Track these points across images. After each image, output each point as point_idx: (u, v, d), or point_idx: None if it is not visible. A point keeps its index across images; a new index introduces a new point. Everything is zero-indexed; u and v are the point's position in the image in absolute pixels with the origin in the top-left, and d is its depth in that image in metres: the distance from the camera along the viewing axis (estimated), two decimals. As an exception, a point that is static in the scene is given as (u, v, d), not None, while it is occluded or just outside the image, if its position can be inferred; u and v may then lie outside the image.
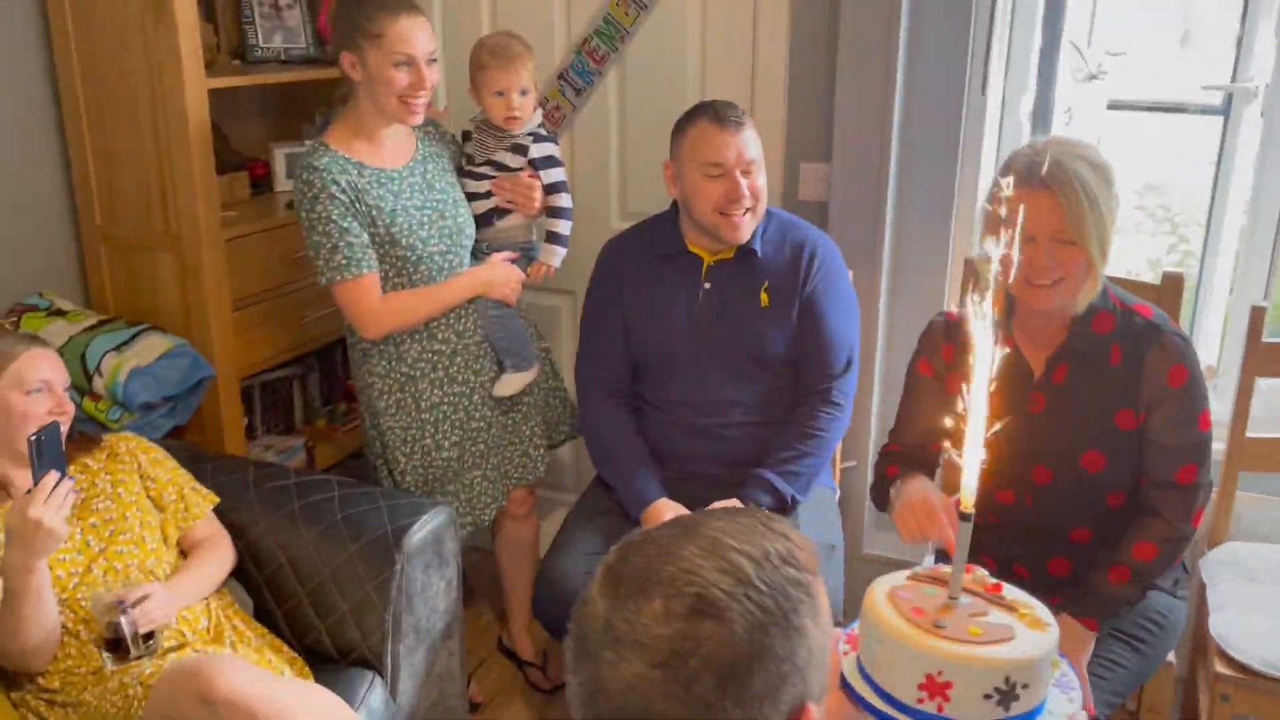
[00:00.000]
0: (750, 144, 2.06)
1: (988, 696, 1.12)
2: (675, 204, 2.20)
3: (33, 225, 2.38)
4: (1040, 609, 1.20)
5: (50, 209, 2.41)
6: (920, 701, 1.14)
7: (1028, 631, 1.16)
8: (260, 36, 2.64)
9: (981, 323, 1.12)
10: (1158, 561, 1.74)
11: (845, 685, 1.22)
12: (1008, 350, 1.52)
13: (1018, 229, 1.48)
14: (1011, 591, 1.23)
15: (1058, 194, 1.61)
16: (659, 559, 0.80)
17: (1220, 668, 1.90)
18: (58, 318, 2.31)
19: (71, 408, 1.90)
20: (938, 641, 1.13)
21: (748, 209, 2.07)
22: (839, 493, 2.42)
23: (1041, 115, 2.83)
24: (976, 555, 1.76)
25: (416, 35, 2.07)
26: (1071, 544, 1.82)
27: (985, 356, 1.12)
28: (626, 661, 0.76)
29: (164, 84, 2.21)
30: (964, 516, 1.18)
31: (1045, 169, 1.61)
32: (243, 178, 2.65)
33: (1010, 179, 1.61)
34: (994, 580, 1.24)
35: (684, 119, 2.11)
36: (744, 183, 2.04)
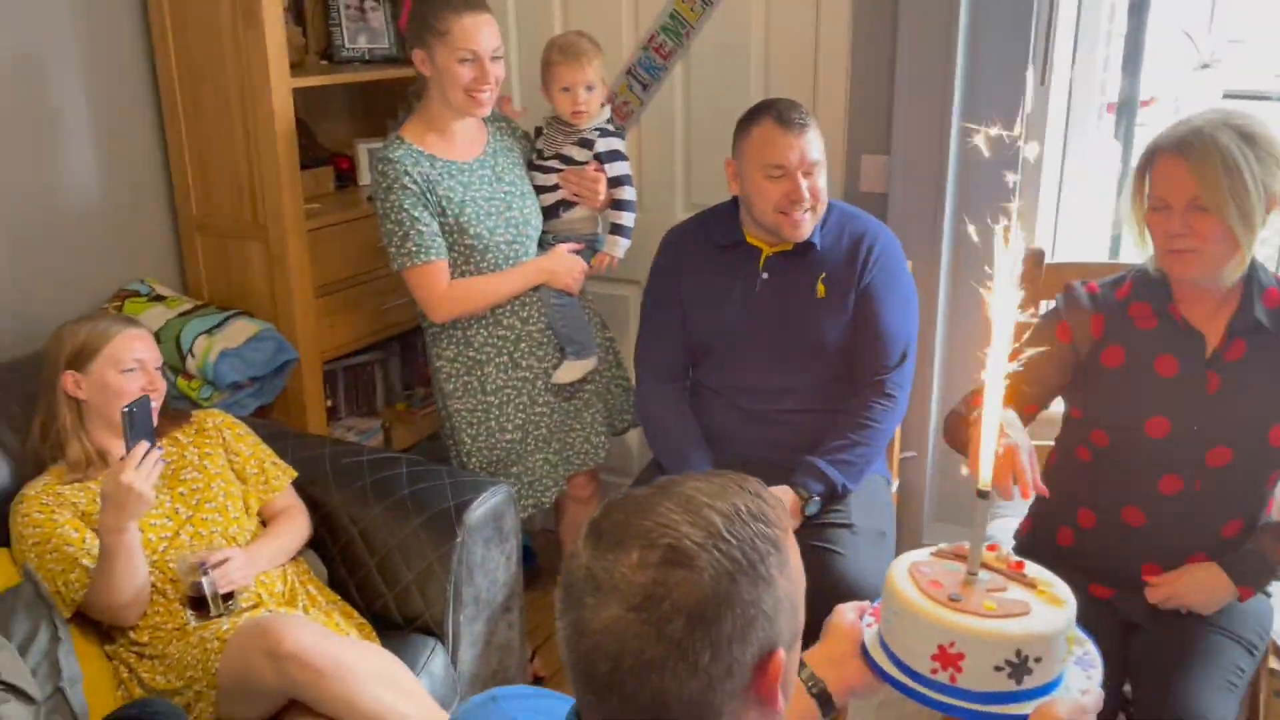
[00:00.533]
0: (812, 145, 2.08)
1: (999, 669, 1.15)
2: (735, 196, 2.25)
3: (136, 217, 2.56)
4: (1060, 587, 1.22)
5: (151, 202, 2.59)
6: (934, 672, 1.17)
7: (1044, 607, 1.18)
8: (346, 37, 2.78)
9: (1001, 301, 1.15)
10: None
11: (866, 655, 1.26)
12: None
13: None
14: (1033, 569, 1.25)
15: (1191, 160, 1.59)
16: (636, 514, 0.86)
17: (1275, 664, 1.88)
18: (157, 303, 2.48)
19: (163, 385, 2.05)
20: (951, 614, 1.16)
21: (808, 209, 2.11)
22: (896, 483, 2.44)
23: (1127, 105, 2.80)
24: (1088, 554, 1.79)
25: (480, 32, 2.17)
26: (1221, 540, 1.76)
27: (1003, 332, 1.15)
28: (605, 606, 0.83)
29: (253, 83, 2.35)
30: (981, 494, 1.21)
31: (1187, 139, 1.60)
32: (328, 172, 2.80)
33: (1154, 145, 1.63)
34: (1017, 559, 1.26)
35: (747, 117, 2.14)
36: (805, 184, 2.07)
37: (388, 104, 3.05)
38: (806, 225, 2.12)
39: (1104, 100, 2.66)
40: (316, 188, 2.70)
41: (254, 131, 2.40)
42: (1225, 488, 1.73)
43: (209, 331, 2.39)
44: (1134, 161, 1.74)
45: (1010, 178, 2.22)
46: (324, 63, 2.79)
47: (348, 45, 2.78)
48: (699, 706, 0.83)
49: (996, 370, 1.15)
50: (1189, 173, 1.59)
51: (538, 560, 3.05)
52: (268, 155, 2.39)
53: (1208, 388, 1.71)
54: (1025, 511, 2.02)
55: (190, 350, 2.37)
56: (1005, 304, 1.13)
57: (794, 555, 0.90)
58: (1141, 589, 1.78)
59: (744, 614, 0.83)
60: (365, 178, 2.87)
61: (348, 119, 3.03)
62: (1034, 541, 1.94)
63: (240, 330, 2.41)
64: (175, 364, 2.36)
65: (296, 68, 2.45)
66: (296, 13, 2.69)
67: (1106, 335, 1.78)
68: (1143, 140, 2.83)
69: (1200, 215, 1.61)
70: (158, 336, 2.34)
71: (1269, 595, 1.85)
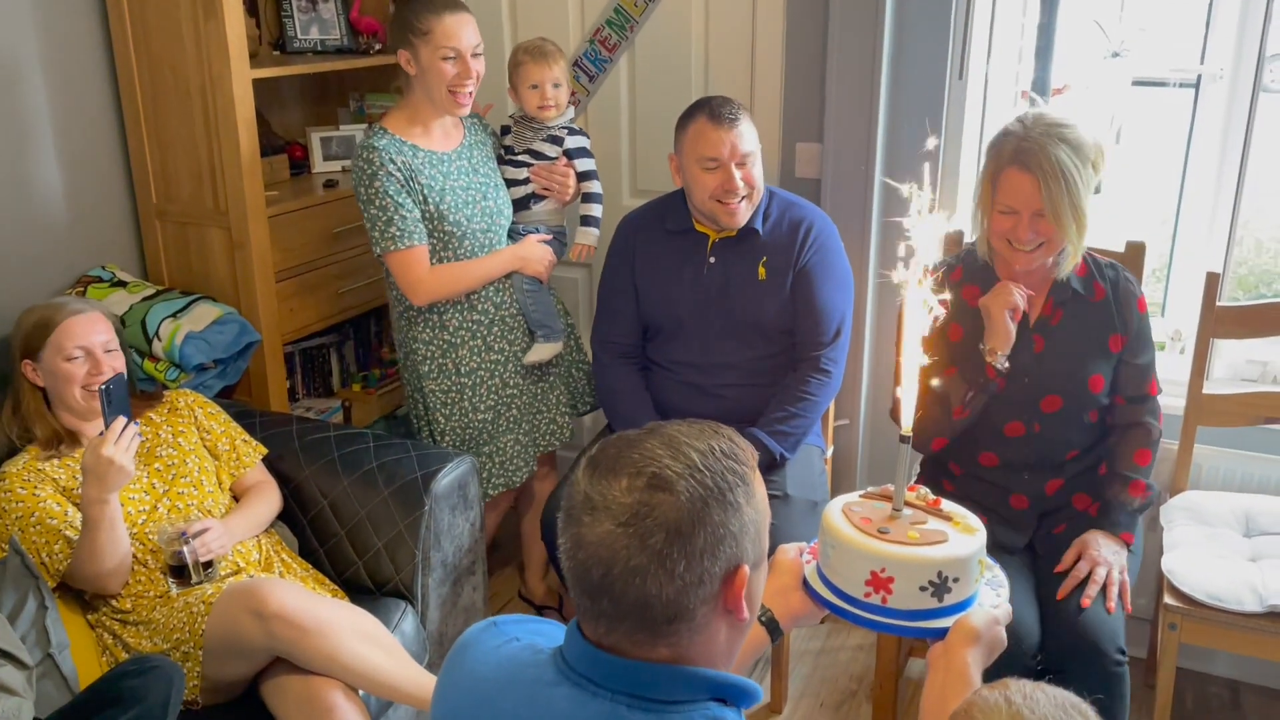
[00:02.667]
0: (744, 138, 2.24)
1: (923, 589, 1.32)
2: None
3: (96, 204, 2.62)
4: (971, 518, 1.40)
5: (111, 189, 2.64)
6: (867, 595, 1.34)
7: (959, 535, 1.36)
8: (298, 28, 2.86)
9: (914, 285, 1.33)
10: (1152, 463, 2.05)
11: (807, 587, 1.42)
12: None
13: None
14: (948, 505, 1.42)
15: (1035, 175, 1.89)
16: (627, 449, 1.02)
17: (1169, 599, 2.09)
18: (119, 288, 2.55)
19: (116, 366, 2.08)
20: (880, 544, 1.33)
21: (743, 197, 2.27)
22: (830, 450, 2.62)
23: (1040, 94, 3.00)
24: (979, 496, 2.06)
25: (462, 30, 2.30)
26: (1065, 464, 2.09)
27: (916, 311, 1.32)
28: (599, 523, 0.99)
29: (213, 74, 2.43)
30: (903, 439, 1.38)
31: (1029, 154, 1.88)
32: (283, 160, 2.88)
33: (999, 155, 1.92)
34: (934, 497, 1.44)
35: (684, 116, 2.30)
36: (738, 174, 2.23)
37: (339, 93, 3.14)
38: (742, 213, 2.28)
39: (1018, 89, 2.86)
40: (273, 175, 2.78)
41: (214, 121, 2.47)
42: (1059, 427, 2.06)
43: (174, 315, 2.47)
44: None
45: (928, 167, 2.42)
46: (277, 53, 2.87)
47: (300, 36, 2.87)
48: (675, 606, 0.99)
49: (912, 331, 1.32)
50: (1034, 188, 1.90)
51: (488, 528, 3.17)
52: (229, 144, 2.47)
53: (1034, 349, 2.04)
54: (917, 469, 2.31)
55: (156, 334, 2.44)
56: (916, 274, 1.30)
57: (760, 490, 1.07)
58: (1016, 517, 2.09)
59: (714, 532, 0.99)
60: (319, 165, 2.96)
61: (299, 108, 3.11)
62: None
63: (204, 314, 2.49)
64: (142, 347, 2.44)
65: (251, 58, 2.52)
66: (249, 4, 2.76)
67: (948, 316, 2.03)
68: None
69: (1043, 220, 1.93)
70: (123, 321, 2.42)
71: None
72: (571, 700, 1.01)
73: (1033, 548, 2.10)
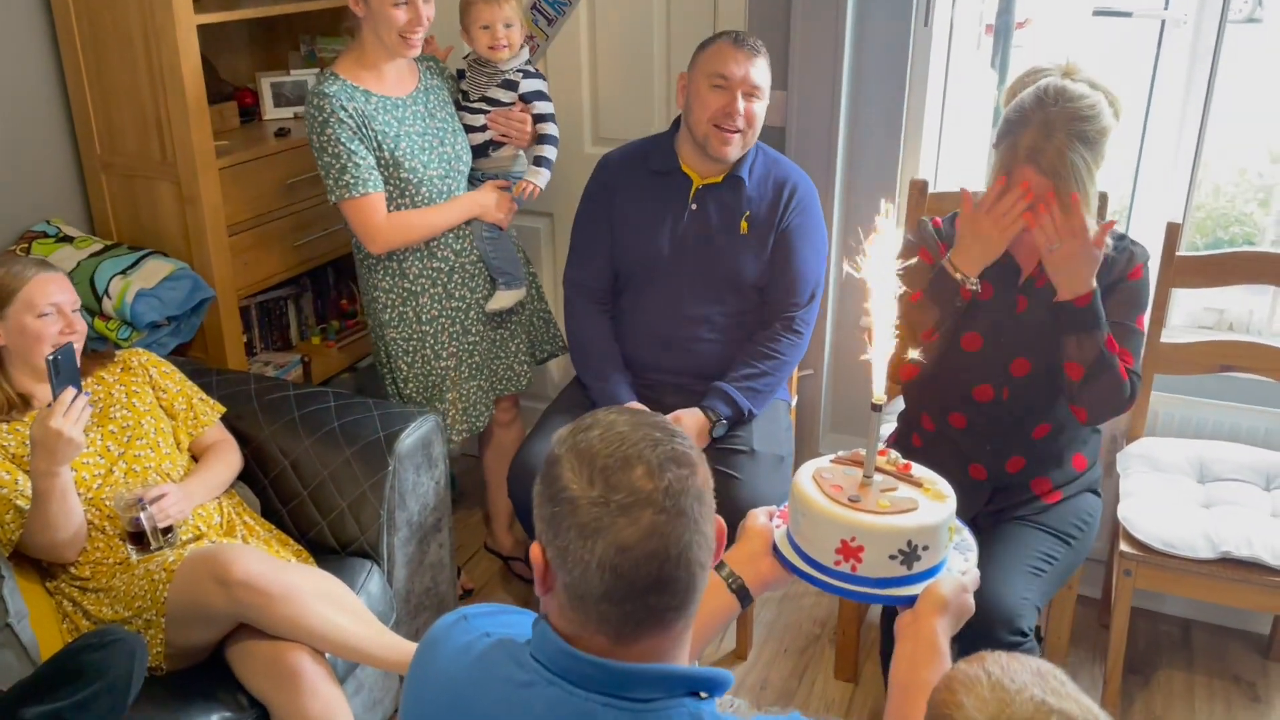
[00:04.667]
0: (758, 70, 2.21)
1: (893, 557, 1.33)
2: (675, 124, 2.35)
3: (36, 156, 2.52)
4: (942, 484, 1.40)
5: (52, 140, 2.55)
6: (837, 563, 1.35)
7: (929, 503, 1.36)
8: (244, -31, 2.74)
9: (886, 244, 1.31)
10: (1084, 379, 1.90)
11: (777, 552, 1.43)
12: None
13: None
14: (919, 470, 1.43)
15: (1056, 182, 1.80)
16: (617, 445, 1.01)
17: (1125, 547, 2.14)
18: (65, 244, 2.46)
19: (83, 327, 2.07)
20: (851, 513, 1.33)
21: (739, 129, 2.22)
22: (795, 399, 2.62)
23: (1003, 30, 2.97)
24: (943, 459, 1.98)
25: None
26: (1032, 441, 2.03)
27: (887, 266, 1.31)
28: (639, 517, 0.97)
29: (155, 21, 2.33)
30: (874, 407, 1.37)
31: (1044, 155, 1.78)
32: (232, 107, 2.78)
33: (1015, 147, 1.81)
34: (904, 461, 1.44)
35: (707, 39, 2.27)
36: (742, 103, 2.20)
37: (288, 36, 3.03)
38: (734, 147, 2.24)
39: (983, 26, 2.83)
40: (222, 123, 2.69)
41: (159, 70, 2.38)
42: (1028, 395, 2.00)
43: (124, 272, 2.40)
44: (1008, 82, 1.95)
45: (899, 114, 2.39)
46: (222, -5, 2.76)
47: (246, -23, 2.75)
48: (705, 572, 1.04)
49: (881, 299, 1.31)
50: (1046, 186, 1.81)
51: (459, 483, 3.17)
52: (174, 95, 2.38)
53: (1017, 308, 1.98)
54: (895, 422, 2.25)
55: (106, 291, 2.37)
56: (885, 248, 1.29)
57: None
58: (970, 488, 2.03)
59: (709, 492, 1.04)
60: (270, 112, 2.87)
61: (248, 52, 3.00)
62: (898, 447, 2.17)
63: (155, 270, 2.42)
64: (91, 305, 2.37)
65: (196, 1, 2.42)
66: (191, -56, 2.64)
67: (941, 262, 2.02)
68: (1017, 67, 3.02)
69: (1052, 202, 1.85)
70: (70, 278, 2.34)
71: (1098, 495, 2.11)
72: (548, 701, 1.01)
73: (976, 523, 2.06)
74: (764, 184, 2.32)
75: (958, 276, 1.92)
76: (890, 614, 1.54)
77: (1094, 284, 1.87)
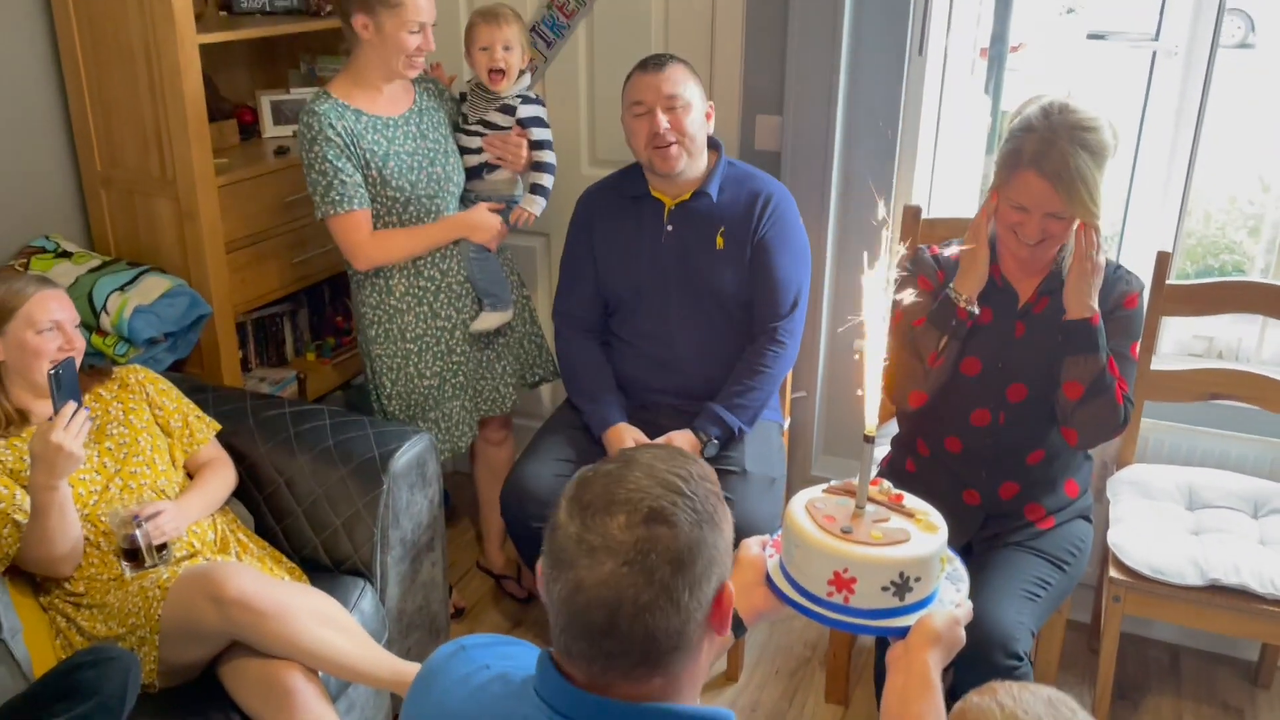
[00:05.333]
0: (670, 80, 2.24)
1: (885, 589, 1.34)
2: None
3: (36, 171, 2.53)
4: (934, 515, 1.41)
5: (52, 156, 2.55)
6: (830, 595, 1.36)
7: (921, 534, 1.37)
8: (246, -12, 2.76)
9: (880, 277, 1.33)
10: (1082, 399, 1.93)
11: (769, 582, 1.44)
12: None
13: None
14: (911, 501, 1.44)
15: (1050, 180, 1.84)
16: (614, 485, 1.01)
17: (1114, 573, 2.16)
18: (64, 259, 2.47)
19: (82, 343, 2.08)
20: (844, 544, 1.34)
21: (674, 142, 2.25)
22: (787, 422, 2.64)
23: (998, 54, 3.00)
24: (937, 484, 2.05)
25: (430, 5, 2.29)
26: (1026, 467, 2.06)
27: (879, 298, 1.33)
28: (601, 564, 0.98)
29: (158, 39, 2.34)
30: (866, 439, 1.39)
31: (1048, 160, 1.83)
32: (231, 125, 2.79)
33: (1019, 153, 1.85)
34: (897, 491, 1.46)
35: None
36: (664, 118, 2.23)
37: (289, 55, 3.05)
38: (676, 159, 2.27)
39: (977, 50, 2.86)
40: (221, 140, 2.70)
41: (160, 87, 2.39)
42: (1024, 421, 2.03)
43: (122, 288, 2.40)
44: (1002, 110, 1.97)
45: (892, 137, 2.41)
46: (224, 14, 2.78)
47: (247, -4, 2.77)
48: (679, 637, 1.00)
49: (875, 334, 1.33)
50: (1049, 190, 1.85)
51: (452, 500, 3.17)
52: (175, 113, 2.39)
53: (1015, 333, 2.02)
54: (888, 446, 2.27)
55: (104, 307, 2.38)
56: (879, 283, 1.31)
57: (725, 507, 1.08)
58: (965, 514, 2.07)
59: (708, 556, 1.01)
60: (270, 130, 2.88)
61: (248, 70, 3.01)
62: (891, 472, 2.22)
63: (153, 286, 2.43)
64: (89, 321, 2.37)
65: (198, 20, 2.44)
66: (194, -38, 2.66)
67: (939, 289, 2.06)
68: (1011, 91, 3.05)
69: (1054, 221, 1.89)
70: (69, 293, 2.34)
71: (1090, 522, 2.14)
72: None
73: (971, 549, 2.08)
74: (736, 197, 2.34)
75: (960, 301, 1.97)
76: (884, 640, 1.55)
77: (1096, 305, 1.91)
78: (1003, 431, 2.04)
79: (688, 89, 2.26)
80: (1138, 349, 2.02)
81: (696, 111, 2.27)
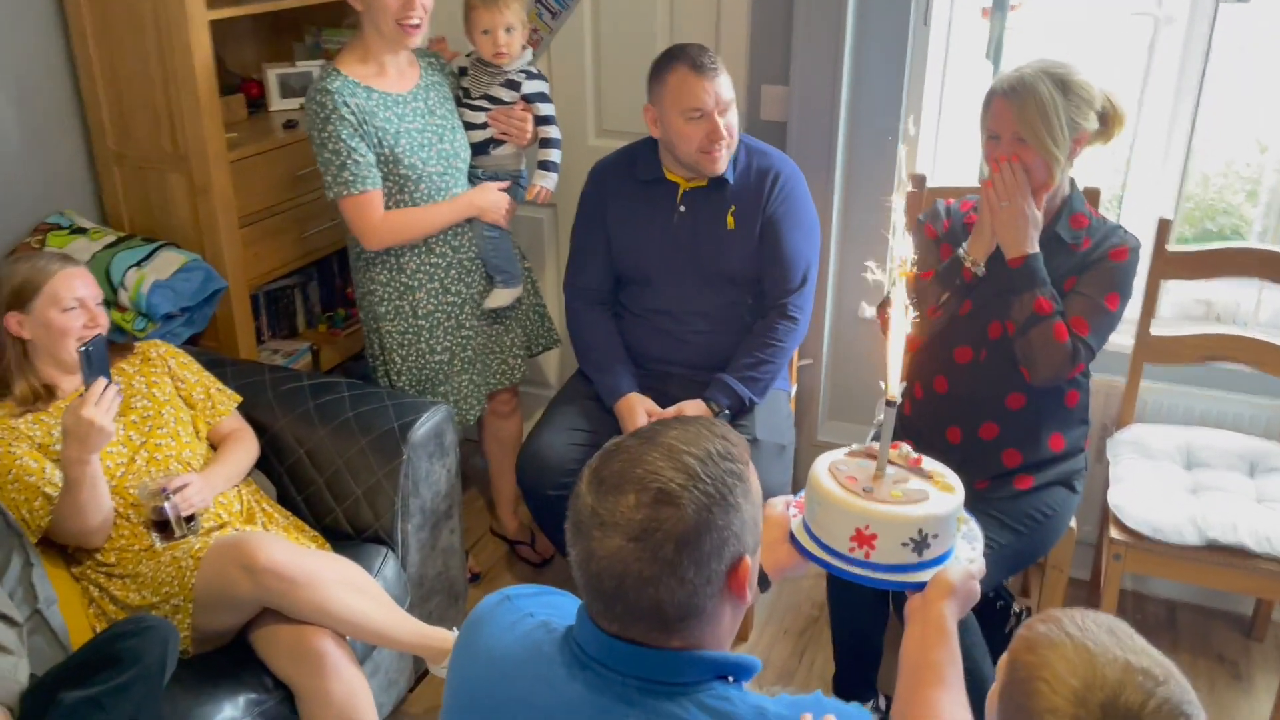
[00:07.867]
0: (724, 86, 2.25)
1: (905, 545, 1.39)
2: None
3: (49, 148, 2.54)
4: (950, 476, 1.47)
5: (64, 132, 2.57)
6: (851, 550, 1.41)
7: (939, 494, 1.43)
8: (251, -39, 2.76)
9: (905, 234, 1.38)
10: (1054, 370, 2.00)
11: (793, 539, 1.49)
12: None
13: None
14: (929, 463, 1.50)
15: (1014, 102, 1.96)
16: (630, 464, 1.07)
17: (1115, 533, 2.22)
18: (79, 235, 2.50)
19: (106, 320, 2.11)
20: (866, 502, 1.39)
21: (726, 145, 2.27)
22: (794, 389, 2.69)
23: (999, 10, 3.02)
24: (917, 423, 2.12)
25: None
26: (1006, 410, 2.11)
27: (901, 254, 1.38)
28: (610, 538, 1.04)
29: (168, 15, 2.36)
30: (889, 403, 1.44)
31: (1013, 83, 1.97)
32: (239, 99, 2.81)
33: (994, 87, 2.00)
34: (915, 455, 1.51)
35: (661, 66, 2.28)
36: (722, 123, 2.24)
37: (293, 28, 3.05)
38: (723, 160, 2.30)
39: (980, 6, 2.87)
40: (230, 115, 2.71)
41: (170, 64, 2.41)
42: (1004, 359, 2.07)
43: (139, 264, 2.43)
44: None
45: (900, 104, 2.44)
46: (229, -13, 2.78)
47: (253, -31, 2.77)
48: (686, 607, 1.06)
49: (899, 304, 1.38)
50: (1013, 112, 1.97)
51: (463, 469, 3.21)
52: (186, 88, 2.41)
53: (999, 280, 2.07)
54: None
55: (122, 283, 2.41)
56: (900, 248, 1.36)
57: (754, 481, 1.13)
58: (945, 452, 2.04)
59: (719, 536, 1.06)
60: (276, 103, 2.90)
61: (254, 44, 3.02)
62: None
63: (169, 261, 2.46)
64: (108, 296, 2.40)
65: (207, -5, 2.45)
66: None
67: (944, 236, 2.16)
68: (1011, 50, 3.07)
69: (1021, 146, 1.98)
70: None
71: (1074, 490, 2.16)
72: (586, 683, 1.08)
73: None
74: (747, 175, 2.37)
75: (967, 261, 2.04)
76: (900, 597, 1.61)
77: (1034, 247, 1.99)
78: (984, 368, 2.10)
79: (732, 88, 2.28)
80: (1118, 301, 2.03)
81: (735, 107, 2.30)
